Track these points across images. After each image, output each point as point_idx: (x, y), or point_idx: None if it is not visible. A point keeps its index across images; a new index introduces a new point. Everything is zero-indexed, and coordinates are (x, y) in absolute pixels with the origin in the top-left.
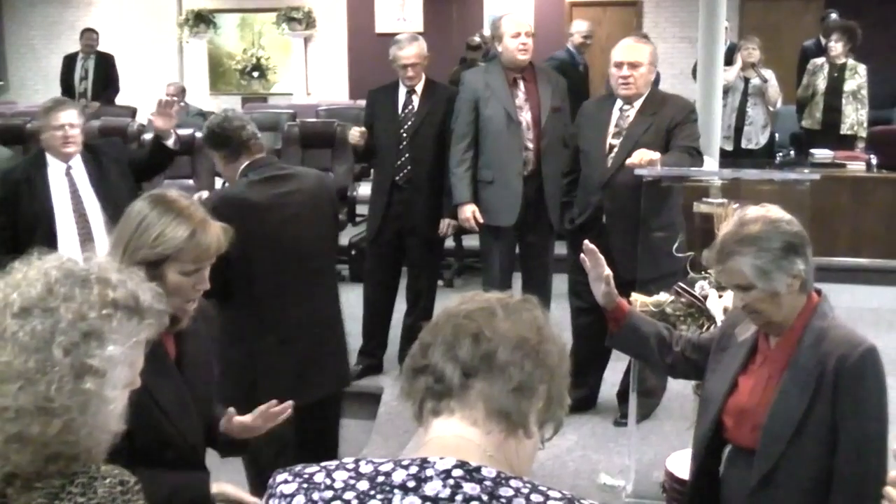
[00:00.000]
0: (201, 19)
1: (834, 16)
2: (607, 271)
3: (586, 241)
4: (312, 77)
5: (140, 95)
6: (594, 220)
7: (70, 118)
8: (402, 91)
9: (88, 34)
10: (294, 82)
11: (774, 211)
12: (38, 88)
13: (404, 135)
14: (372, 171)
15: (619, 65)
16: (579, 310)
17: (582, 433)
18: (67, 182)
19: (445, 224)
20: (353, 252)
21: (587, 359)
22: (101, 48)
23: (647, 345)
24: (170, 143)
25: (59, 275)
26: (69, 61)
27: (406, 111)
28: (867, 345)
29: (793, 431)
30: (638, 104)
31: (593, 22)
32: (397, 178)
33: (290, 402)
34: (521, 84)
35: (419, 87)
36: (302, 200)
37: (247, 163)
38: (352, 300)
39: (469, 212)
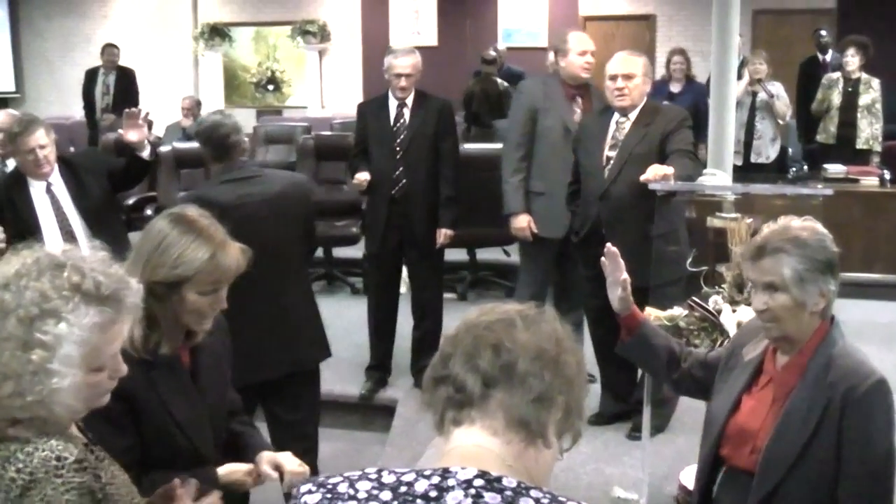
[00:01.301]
0: (216, 32)
1: (823, 32)
2: (625, 276)
3: (608, 244)
4: (327, 90)
5: (155, 108)
6: (594, 231)
7: (39, 139)
8: (393, 104)
9: (110, 49)
10: (309, 95)
11: (822, 227)
12: (54, 100)
13: (398, 148)
14: (345, 187)
15: (613, 77)
16: (596, 320)
17: (595, 446)
18: (50, 199)
19: (441, 234)
20: (366, 265)
21: (621, 368)
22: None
23: (657, 357)
24: (145, 154)
25: (41, 257)
26: (91, 76)
27: (398, 124)
28: (877, 376)
29: (794, 458)
30: (633, 115)
31: (607, 35)
32: (394, 191)
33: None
34: (579, 100)
35: (409, 100)
36: (265, 201)
37: (225, 164)
38: (365, 313)
39: (524, 221)
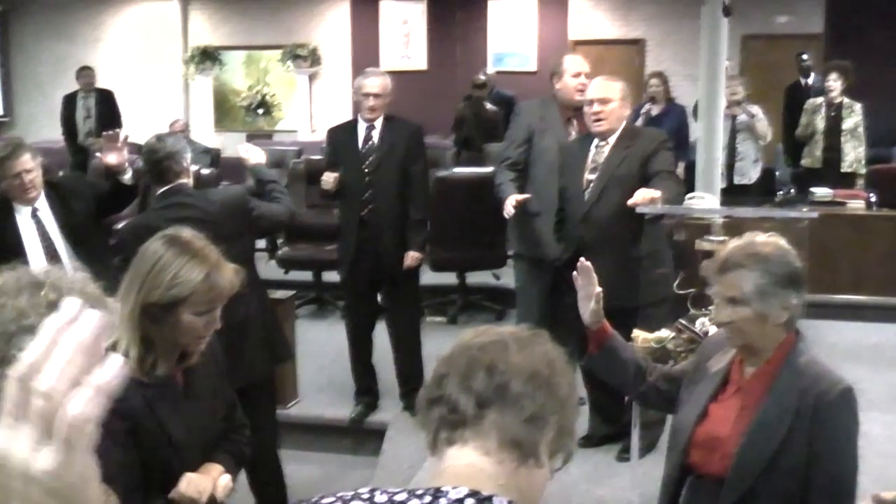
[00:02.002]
0: (207, 56)
1: (805, 56)
2: (598, 289)
3: (581, 259)
4: (317, 114)
5: (145, 132)
6: (578, 254)
7: (26, 164)
8: (363, 126)
9: (86, 72)
10: (299, 119)
11: (785, 242)
12: (45, 124)
13: (366, 170)
14: (336, 210)
15: (590, 102)
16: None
17: (585, 468)
18: (35, 224)
19: (409, 257)
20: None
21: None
22: (107, 85)
23: (625, 370)
24: (126, 178)
25: (21, 276)
26: (69, 101)
27: (367, 146)
28: (845, 384)
29: (766, 463)
30: (613, 139)
31: (596, 60)
32: (363, 213)
33: None
34: (575, 123)
35: (378, 123)
36: (202, 222)
37: (162, 189)
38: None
39: (513, 200)
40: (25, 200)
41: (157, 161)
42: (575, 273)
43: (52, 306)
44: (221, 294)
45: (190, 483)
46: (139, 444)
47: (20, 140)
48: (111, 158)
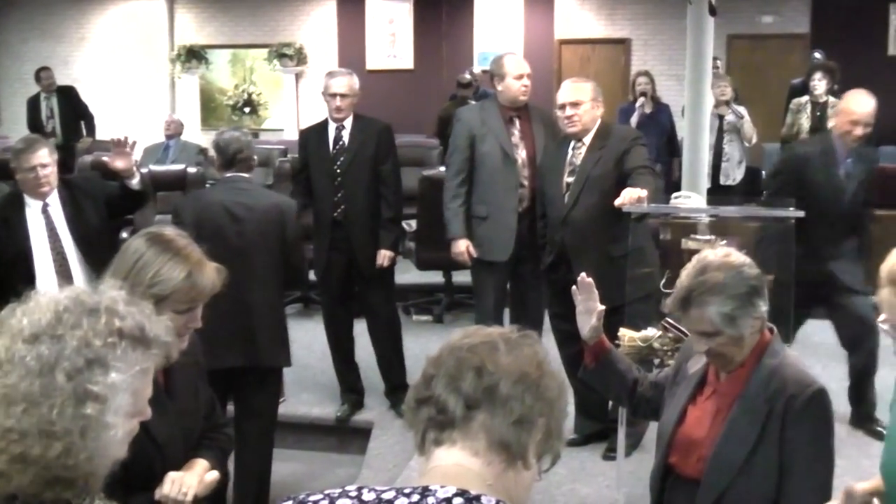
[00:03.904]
0: (193, 55)
1: (818, 55)
2: (600, 307)
3: (583, 274)
4: (303, 113)
5: (132, 130)
6: (561, 256)
7: (42, 158)
8: (332, 127)
9: (45, 72)
10: (285, 118)
11: (735, 256)
12: None
13: (337, 171)
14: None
15: (562, 106)
16: (566, 338)
17: (571, 466)
18: (44, 220)
19: (382, 256)
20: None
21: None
22: (93, 84)
23: (621, 382)
24: (133, 183)
25: (69, 303)
26: (33, 102)
27: (337, 147)
28: (817, 386)
29: (738, 466)
30: (588, 140)
31: (582, 59)
32: (335, 214)
33: None
34: (517, 122)
35: (348, 123)
36: (250, 212)
37: (227, 175)
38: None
39: (463, 246)
40: (38, 195)
41: (240, 157)
42: (574, 288)
43: (120, 333)
44: (203, 293)
45: (174, 483)
46: None
47: (39, 136)
48: (119, 163)
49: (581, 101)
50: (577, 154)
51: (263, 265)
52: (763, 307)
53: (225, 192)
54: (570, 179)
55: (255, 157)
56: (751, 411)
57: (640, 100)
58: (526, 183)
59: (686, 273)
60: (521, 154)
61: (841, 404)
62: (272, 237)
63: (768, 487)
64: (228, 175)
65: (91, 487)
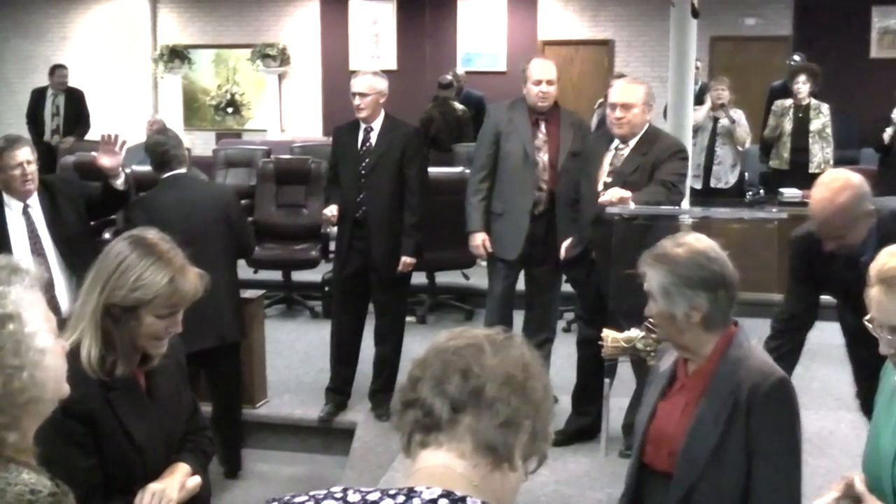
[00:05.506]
0: (176, 55)
1: (797, 58)
2: None
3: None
4: (287, 114)
5: (114, 131)
6: (586, 254)
7: (26, 155)
8: (362, 128)
9: (60, 70)
10: (268, 119)
11: (706, 245)
12: (12, 122)
13: (362, 171)
14: (306, 210)
15: (613, 106)
16: (583, 341)
17: (555, 468)
18: (25, 221)
19: (402, 263)
20: (325, 289)
21: (590, 388)
22: (75, 83)
23: None
24: (118, 182)
25: None
26: (38, 96)
27: (364, 148)
28: (779, 375)
29: (708, 458)
30: (633, 143)
31: (565, 60)
32: (357, 214)
33: None
34: (543, 125)
35: (377, 124)
36: (196, 205)
37: (164, 176)
38: (325, 337)
39: (479, 240)
40: (23, 193)
41: (164, 151)
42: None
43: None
44: (185, 298)
45: (154, 496)
46: (100, 445)
47: (19, 135)
48: (106, 161)
49: (633, 105)
50: (619, 155)
51: (217, 250)
52: (704, 300)
53: (168, 192)
54: (609, 180)
55: (186, 150)
56: (717, 404)
57: (600, 100)
58: (545, 186)
59: (666, 240)
60: (543, 157)
61: (846, 404)
62: (221, 223)
63: (738, 477)
64: (166, 176)
65: (43, 410)
